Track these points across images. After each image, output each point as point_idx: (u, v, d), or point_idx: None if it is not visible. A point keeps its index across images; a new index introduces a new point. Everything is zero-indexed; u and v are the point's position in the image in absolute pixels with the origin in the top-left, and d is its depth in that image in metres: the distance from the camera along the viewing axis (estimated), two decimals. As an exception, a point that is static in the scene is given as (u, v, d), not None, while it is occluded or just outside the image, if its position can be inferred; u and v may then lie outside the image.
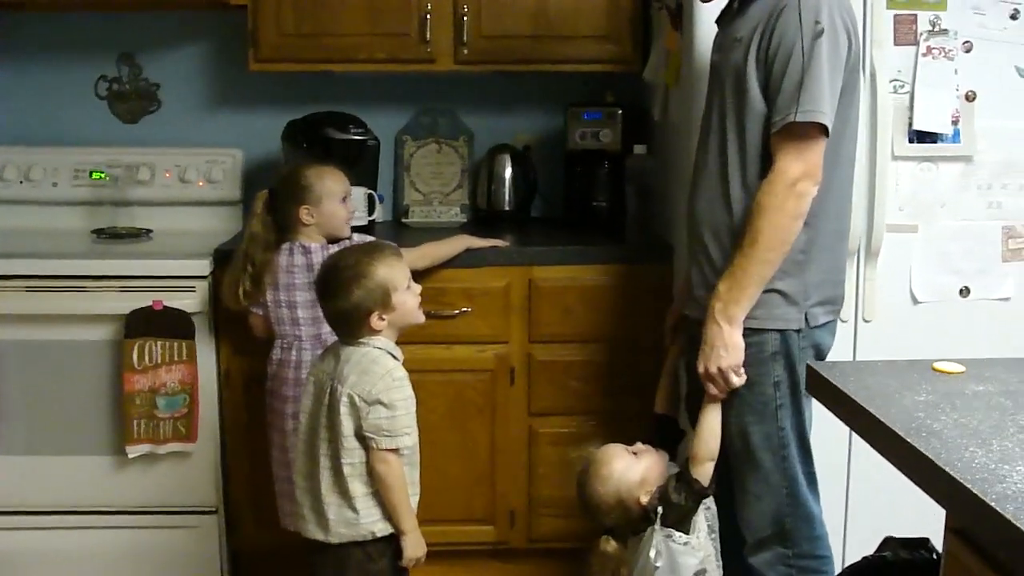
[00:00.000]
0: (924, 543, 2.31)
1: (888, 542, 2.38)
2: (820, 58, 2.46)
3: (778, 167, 2.49)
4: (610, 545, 2.70)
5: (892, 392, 1.94)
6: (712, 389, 2.61)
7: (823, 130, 2.49)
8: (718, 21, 2.81)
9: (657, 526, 2.61)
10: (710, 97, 2.74)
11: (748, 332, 2.59)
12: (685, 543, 2.62)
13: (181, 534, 3.58)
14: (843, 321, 3.26)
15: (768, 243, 2.50)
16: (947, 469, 1.56)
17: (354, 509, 2.66)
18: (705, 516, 2.71)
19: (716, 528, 2.73)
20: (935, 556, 2.25)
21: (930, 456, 1.61)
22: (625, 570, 2.68)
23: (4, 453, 3.51)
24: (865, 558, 2.37)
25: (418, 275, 3.34)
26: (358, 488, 2.65)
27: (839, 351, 3.20)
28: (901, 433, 1.71)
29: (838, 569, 2.69)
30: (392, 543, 2.70)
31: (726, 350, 2.56)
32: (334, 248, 3.07)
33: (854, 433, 2.39)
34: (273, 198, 3.24)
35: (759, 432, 2.65)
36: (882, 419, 1.79)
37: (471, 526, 3.63)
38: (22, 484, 3.53)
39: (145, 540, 3.58)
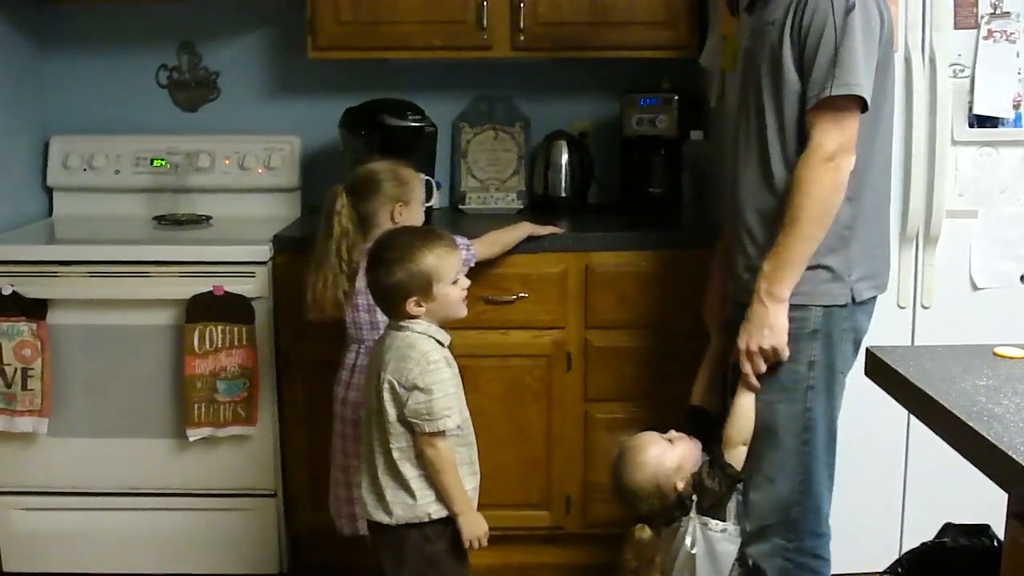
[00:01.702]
0: (985, 530, 2.29)
1: (947, 528, 2.37)
2: (853, 32, 2.47)
3: (813, 142, 2.50)
4: (645, 533, 2.70)
5: (953, 376, 1.93)
6: (747, 367, 2.59)
7: (860, 103, 2.49)
8: (747, 8, 2.81)
9: (693, 514, 2.61)
10: (745, 83, 2.74)
11: (793, 308, 2.58)
12: (723, 530, 2.61)
13: (240, 516, 3.63)
14: (901, 308, 3.25)
15: (810, 219, 2.50)
16: (1010, 453, 1.55)
17: (409, 491, 2.66)
18: (736, 499, 2.70)
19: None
20: (996, 543, 2.23)
21: (992, 440, 1.60)
22: (660, 558, 2.68)
23: (68, 435, 3.56)
24: (924, 544, 2.35)
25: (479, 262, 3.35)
26: (409, 471, 2.66)
27: (897, 338, 3.19)
28: (962, 417, 1.70)
29: (896, 555, 2.66)
30: (450, 525, 2.71)
31: (770, 330, 2.55)
32: None
33: (913, 418, 2.39)
34: (353, 195, 3.13)
35: (785, 411, 2.63)
36: (943, 403, 1.78)
37: (527, 511, 3.64)
38: (85, 466, 3.59)
39: (205, 522, 3.63)
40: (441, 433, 2.64)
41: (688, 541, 2.61)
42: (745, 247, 2.70)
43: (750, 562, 2.70)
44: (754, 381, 2.61)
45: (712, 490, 2.60)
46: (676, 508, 2.65)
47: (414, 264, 2.64)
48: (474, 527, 2.72)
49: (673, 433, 2.76)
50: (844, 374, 2.67)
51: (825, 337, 2.61)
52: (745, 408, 2.62)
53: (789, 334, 2.58)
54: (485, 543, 2.75)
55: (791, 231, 2.51)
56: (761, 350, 2.57)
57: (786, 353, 2.58)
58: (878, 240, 2.72)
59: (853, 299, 2.62)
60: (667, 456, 2.68)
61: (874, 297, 2.72)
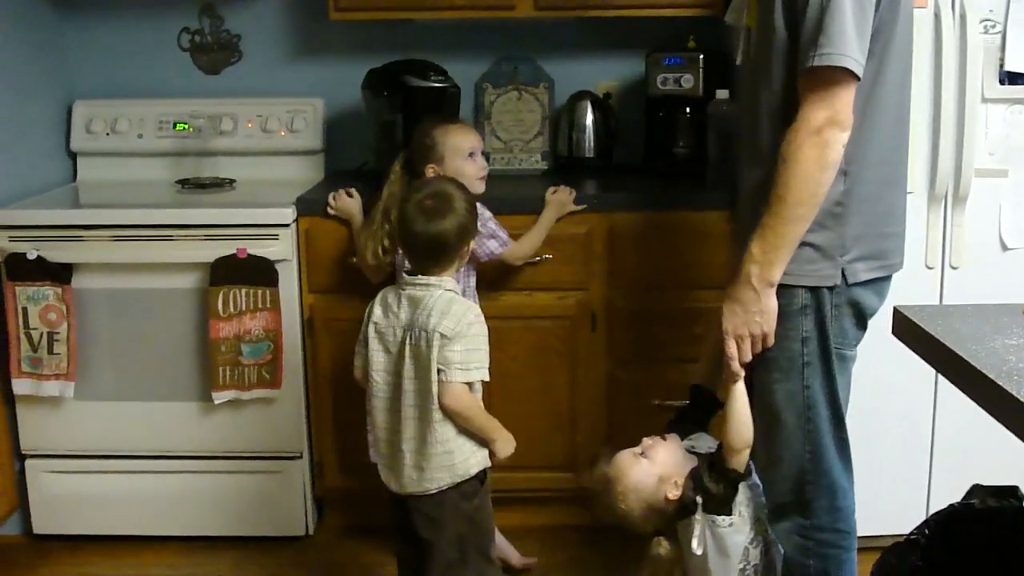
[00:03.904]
0: (1013, 491, 2.27)
1: (975, 490, 2.34)
2: None
3: (800, 114, 2.33)
4: (662, 547, 2.64)
5: (982, 336, 1.90)
6: (732, 350, 2.49)
7: (849, 73, 2.31)
8: None
9: (698, 516, 2.54)
10: (756, 41, 2.59)
11: (779, 286, 2.46)
12: (730, 524, 2.54)
13: (266, 479, 3.64)
14: (929, 268, 3.23)
15: (797, 198, 2.34)
16: (1040, 412, 1.53)
17: (450, 453, 2.71)
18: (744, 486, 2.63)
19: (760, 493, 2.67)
20: (1024, 504, 2.21)
21: (1022, 399, 1.58)
22: (679, 570, 2.64)
23: (94, 399, 3.58)
24: (951, 506, 2.34)
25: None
26: (450, 431, 2.71)
27: (925, 298, 3.17)
28: (992, 376, 1.68)
29: (920, 518, 2.64)
30: (483, 480, 2.78)
31: (762, 315, 2.45)
32: None
33: (940, 378, 2.36)
34: (406, 162, 3.28)
35: (783, 390, 2.53)
36: (972, 362, 1.76)
37: (551, 472, 3.64)
38: (112, 429, 3.61)
39: (231, 485, 3.65)
40: (468, 384, 2.69)
41: (695, 543, 2.56)
42: (738, 220, 2.63)
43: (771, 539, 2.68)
44: (737, 367, 2.50)
45: (717, 494, 2.54)
46: (680, 512, 2.58)
47: (474, 208, 2.79)
48: (507, 446, 2.80)
49: (645, 442, 2.65)
50: (844, 349, 2.54)
51: (816, 314, 2.48)
52: (741, 413, 2.52)
53: (778, 312, 2.47)
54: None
55: (777, 211, 2.37)
56: (751, 335, 2.48)
57: (772, 339, 2.48)
58: (886, 218, 2.54)
59: (845, 280, 2.48)
60: (645, 474, 2.59)
61: (882, 278, 2.57)
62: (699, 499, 2.54)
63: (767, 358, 2.53)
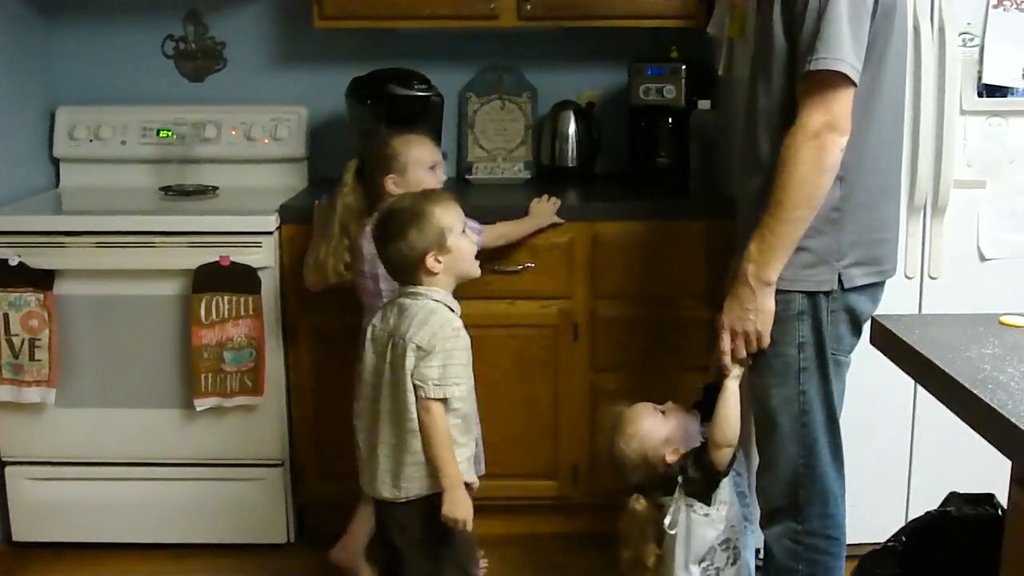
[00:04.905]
0: (989, 499, 2.29)
1: (952, 497, 2.37)
2: (838, 3, 2.33)
3: (799, 119, 2.38)
4: (640, 504, 2.70)
5: (958, 345, 1.92)
6: (726, 345, 2.55)
7: (846, 78, 2.35)
8: None
9: (678, 494, 2.61)
10: (753, 49, 2.63)
11: (776, 291, 2.50)
12: (705, 515, 2.60)
13: (247, 486, 3.64)
14: (908, 278, 3.25)
15: (795, 201, 2.39)
16: (1014, 420, 1.55)
17: (420, 464, 2.66)
18: (735, 482, 2.68)
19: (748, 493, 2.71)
20: (1000, 512, 2.23)
21: (997, 407, 1.60)
22: (652, 529, 2.68)
23: (75, 406, 3.57)
24: (929, 513, 2.36)
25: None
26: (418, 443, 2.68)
27: (904, 308, 3.19)
28: (967, 385, 1.70)
29: (899, 526, 2.66)
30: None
31: (756, 314, 2.49)
32: None
33: (919, 388, 2.38)
34: (363, 168, 3.22)
35: (779, 395, 2.56)
36: (947, 371, 1.78)
37: (534, 481, 3.65)
38: (93, 436, 3.60)
39: (212, 492, 3.64)
40: (442, 401, 2.64)
41: (667, 521, 2.61)
42: (739, 224, 2.66)
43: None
44: (728, 361, 2.56)
45: (695, 480, 2.60)
46: (668, 481, 2.64)
47: (424, 220, 2.65)
48: (457, 507, 2.64)
49: (669, 404, 2.75)
50: (839, 355, 2.58)
51: (812, 319, 2.52)
52: (729, 411, 2.58)
53: (775, 316, 2.51)
54: (468, 528, 2.67)
55: (775, 213, 2.41)
56: (745, 333, 2.52)
57: (768, 340, 2.52)
58: (881, 223, 2.59)
59: (842, 285, 2.51)
60: (657, 429, 2.69)
61: (877, 283, 2.61)
62: (680, 479, 2.60)
63: (764, 362, 2.57)
